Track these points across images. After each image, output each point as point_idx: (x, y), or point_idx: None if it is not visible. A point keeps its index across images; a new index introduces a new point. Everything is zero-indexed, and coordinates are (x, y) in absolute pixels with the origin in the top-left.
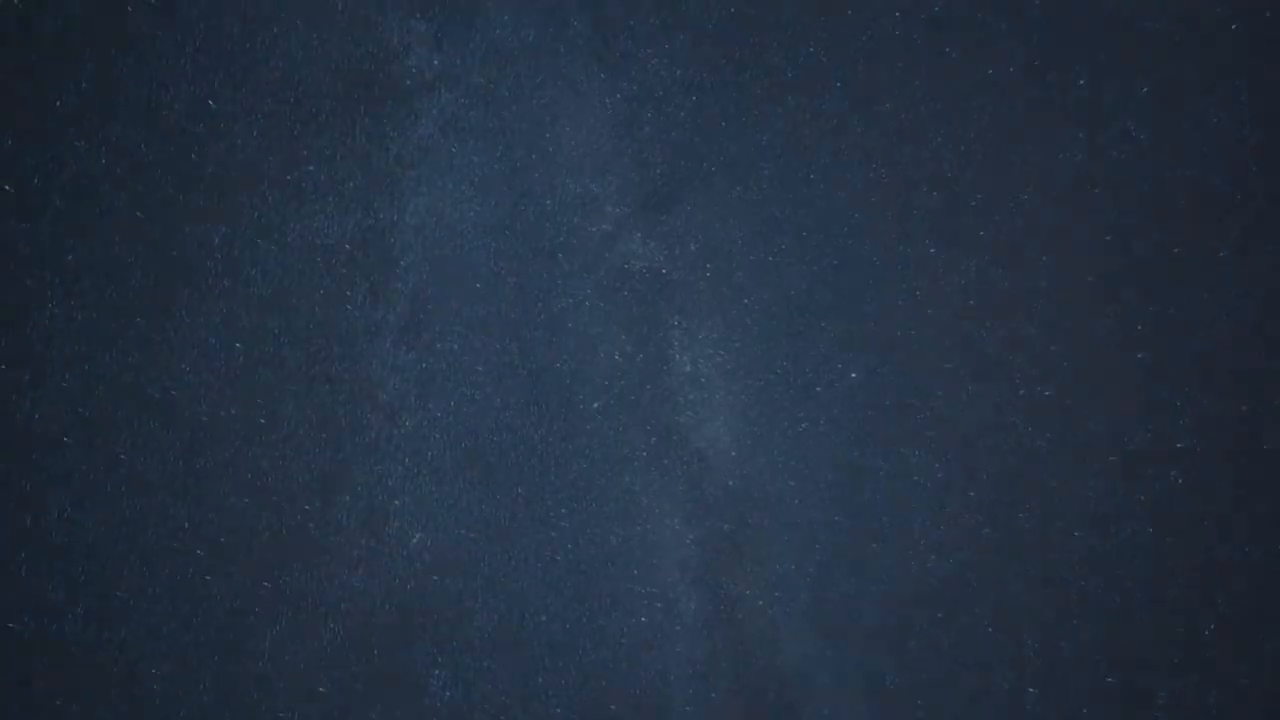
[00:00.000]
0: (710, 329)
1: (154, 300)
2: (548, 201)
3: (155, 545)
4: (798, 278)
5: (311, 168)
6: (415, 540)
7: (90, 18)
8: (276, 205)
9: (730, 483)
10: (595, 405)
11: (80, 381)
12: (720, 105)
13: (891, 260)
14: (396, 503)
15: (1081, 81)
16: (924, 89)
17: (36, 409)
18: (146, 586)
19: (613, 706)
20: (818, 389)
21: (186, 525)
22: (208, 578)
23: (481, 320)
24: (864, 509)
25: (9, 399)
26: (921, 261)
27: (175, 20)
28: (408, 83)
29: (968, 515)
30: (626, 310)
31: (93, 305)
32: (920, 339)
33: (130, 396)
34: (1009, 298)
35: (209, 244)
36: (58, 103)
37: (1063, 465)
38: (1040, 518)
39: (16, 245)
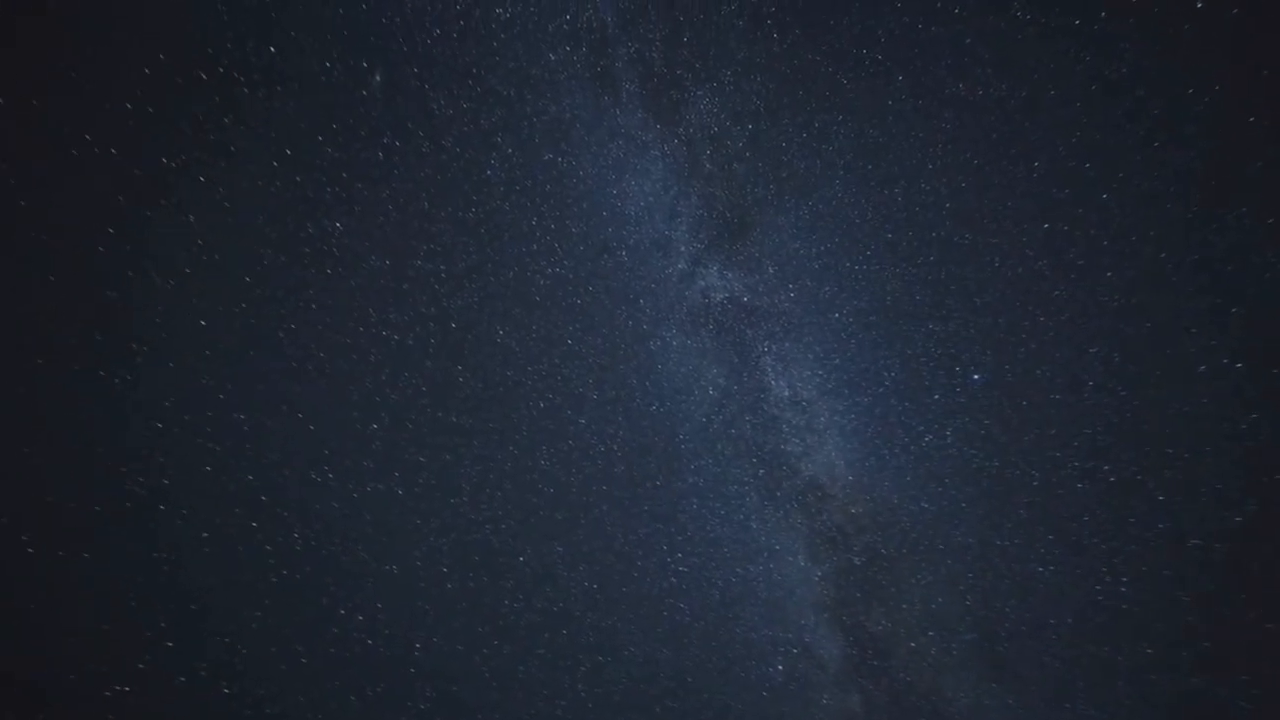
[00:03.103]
0: (804, 349)
1: None
2: (622, 253)
3: None
4: (892, 281)
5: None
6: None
7: None
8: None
9: (853, 510)
10: (696, 443)
11: None
12: (777, 127)
13: (1000, 246)
14: (520, 559)
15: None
16: (1005, 65)
17: None
18: None
19: None
20: (936, 396)
21: None
22: None
23: (577, 372)
24: (1022, 527)
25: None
26: (1039, 242)
27: None
28: (488, 172)
29: (1157, 523)
30: (714, 343)
31: None
32: (1053, 325)
33: None
34: (1162, 267)
35: None
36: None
37: (1271, 452)
38: (1260, 520)
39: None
